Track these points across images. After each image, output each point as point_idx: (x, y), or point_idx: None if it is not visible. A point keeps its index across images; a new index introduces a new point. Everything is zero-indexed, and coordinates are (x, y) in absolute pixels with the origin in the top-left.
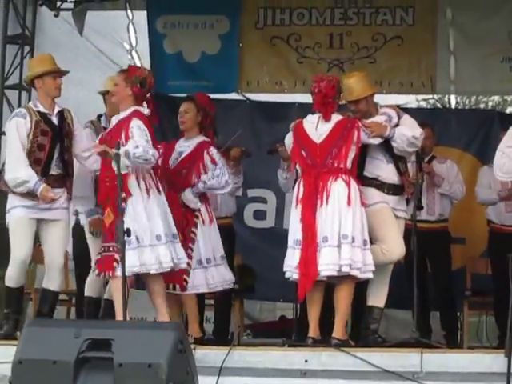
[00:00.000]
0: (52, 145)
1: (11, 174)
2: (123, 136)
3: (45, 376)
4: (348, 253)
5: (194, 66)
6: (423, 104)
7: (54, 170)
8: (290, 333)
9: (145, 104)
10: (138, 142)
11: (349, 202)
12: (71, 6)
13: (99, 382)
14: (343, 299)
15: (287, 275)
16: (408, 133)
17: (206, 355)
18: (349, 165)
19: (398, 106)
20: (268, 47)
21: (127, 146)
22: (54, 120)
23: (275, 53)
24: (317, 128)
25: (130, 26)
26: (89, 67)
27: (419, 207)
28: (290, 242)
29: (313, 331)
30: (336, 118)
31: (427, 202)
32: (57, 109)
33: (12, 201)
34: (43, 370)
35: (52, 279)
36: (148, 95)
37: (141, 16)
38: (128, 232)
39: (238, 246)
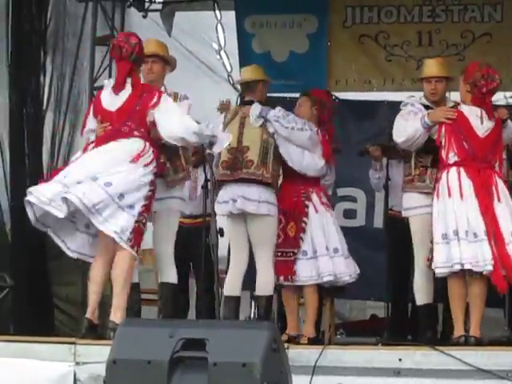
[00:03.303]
0: None
1: None
2: None
3: (139, 376)
4: None
5: (283, 66)
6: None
7: None
8: (382, 332)
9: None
10: None
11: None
12: (159, 6)
13: (194, 382)
14: (480, 297)
15: (468, 267)
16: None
17: (300, 354)
18: (498, 162)
19: None
20: (356, 46)
21: None
22: None
23: (363, 51)
24: (482, 122)
25: (219, 26)
26: (177, 68)
27: None
28: (461, 234)
29: (460, 329)
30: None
31: None
32: None
33: None
34: (137, 370)
35: (166, 271)
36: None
37: (229, 16)
38: (221, 232)
39: None
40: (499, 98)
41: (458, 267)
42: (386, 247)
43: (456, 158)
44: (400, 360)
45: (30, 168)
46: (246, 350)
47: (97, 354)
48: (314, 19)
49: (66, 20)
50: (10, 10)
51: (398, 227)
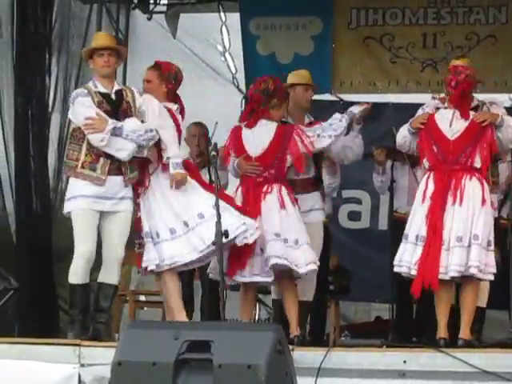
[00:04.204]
0: None
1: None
2: None
3: (144, 377)
4: (477, 254)
5: (287, 68)
6: None
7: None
8: (386, 334)
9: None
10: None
11: (483, 202)
12: (164, 8)
13: None
14: (470, 300)
15: (403, 270)
16: None
17: (304, 356)
18: (481, 164)
19: None
20: (361, 48)
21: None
22: (113, 98)
23: (368, 53)
24: (451, 124)
25: (223, 28)
26: (182, 69)
27: None
28: (411, 238)
29: (443, 332)
30: (472, 114)
31: None
32: (116, 87)
33: (72, 189)
34: (142, 372)
35: (110, 272)
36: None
37: (234, 18)
38: (226, 233)
39: (332, 247)
40: (504, 99)
41: (396, 269)
42: (390, 249)
43: (428, 163)
44: (405, 362)
45: (35, 170)
46: (250, 351)
47: (101, 356)
48: (319, 21)
49: (71, 22)
50: (15, 12)
51: (403, 229)
